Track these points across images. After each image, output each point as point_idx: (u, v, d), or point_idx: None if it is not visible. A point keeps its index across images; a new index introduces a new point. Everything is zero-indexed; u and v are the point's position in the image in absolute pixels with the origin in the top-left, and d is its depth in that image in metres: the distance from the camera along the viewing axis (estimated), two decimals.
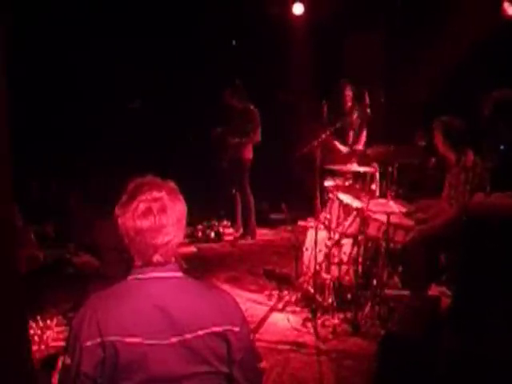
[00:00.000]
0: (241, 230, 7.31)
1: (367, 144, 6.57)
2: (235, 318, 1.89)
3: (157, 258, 1.84)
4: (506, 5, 6.28)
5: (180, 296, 1.85)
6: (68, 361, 1.74)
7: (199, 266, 5.93)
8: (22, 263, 4.95)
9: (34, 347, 3.26)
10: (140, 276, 1.85)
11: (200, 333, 1.81)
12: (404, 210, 4.72)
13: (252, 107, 6.95)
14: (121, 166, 6.48)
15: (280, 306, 4.95)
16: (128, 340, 1.73)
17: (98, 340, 1.71)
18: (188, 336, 1.79)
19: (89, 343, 1.71)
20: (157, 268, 1.85)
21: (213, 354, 1.82)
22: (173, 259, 1.89)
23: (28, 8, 6.72)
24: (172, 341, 1.78)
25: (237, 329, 1.87)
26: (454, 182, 4.75)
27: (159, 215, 1.81)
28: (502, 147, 4.52)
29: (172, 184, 1.92)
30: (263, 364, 2.04)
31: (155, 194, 1.83)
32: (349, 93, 6.67)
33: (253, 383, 1.96)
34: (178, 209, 1.86)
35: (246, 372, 1.91)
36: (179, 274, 1.89)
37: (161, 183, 1.89)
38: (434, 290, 4.61)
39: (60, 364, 1.79)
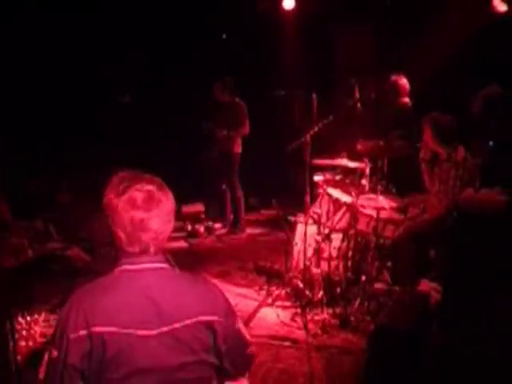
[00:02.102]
0: (230, 225, 7.30)
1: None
2: (220, 307, 1.91)
3: (144, 249, 1.84)
4: (496, 1, 6.29)
5: (167, 286, 1.85)
6: (55, 353, 1.73)
7: (189, 261, 5.91)
8: (10, 255, 4.92)
9: (21, 343, 3.23)
10: (127, 267, 1.85)
11: (186, 323, 1.81)
12: (394, 205, 4.73)
13: (238, 100, 6.92)
14: (113, 160, 6.45)
15: (270, 300, 4.94)
16: (115, 331, 1.72)
17: (85, 331, 1.70)
18: (175, 326, 1.80)
19: (75, 335, 1.70)
20: (144, 259, 1.85)
21: (200, 343, 1.83)
22: (160, 252, 1.90)
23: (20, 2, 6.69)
24: (159, 331, 1.78)
25: (222, 318, 1.88)
26: (444, 177, 4.77)
27: (148, 207, 1.81)
28: (490, 143, 4.54)
29: (159, 180, 1.92)
30: (252, 349, 2.05)
31: (144, 186, 1.84)
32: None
33: (241, 369, 2.00)
34: (167, 202, 1.87)
35: (233, 360, 1.93)
36: (165, 266, 1.90)
37: (149, 177, 1.90)
38: (425, 286, 4.62)
39: (46, 357, 1.78)
